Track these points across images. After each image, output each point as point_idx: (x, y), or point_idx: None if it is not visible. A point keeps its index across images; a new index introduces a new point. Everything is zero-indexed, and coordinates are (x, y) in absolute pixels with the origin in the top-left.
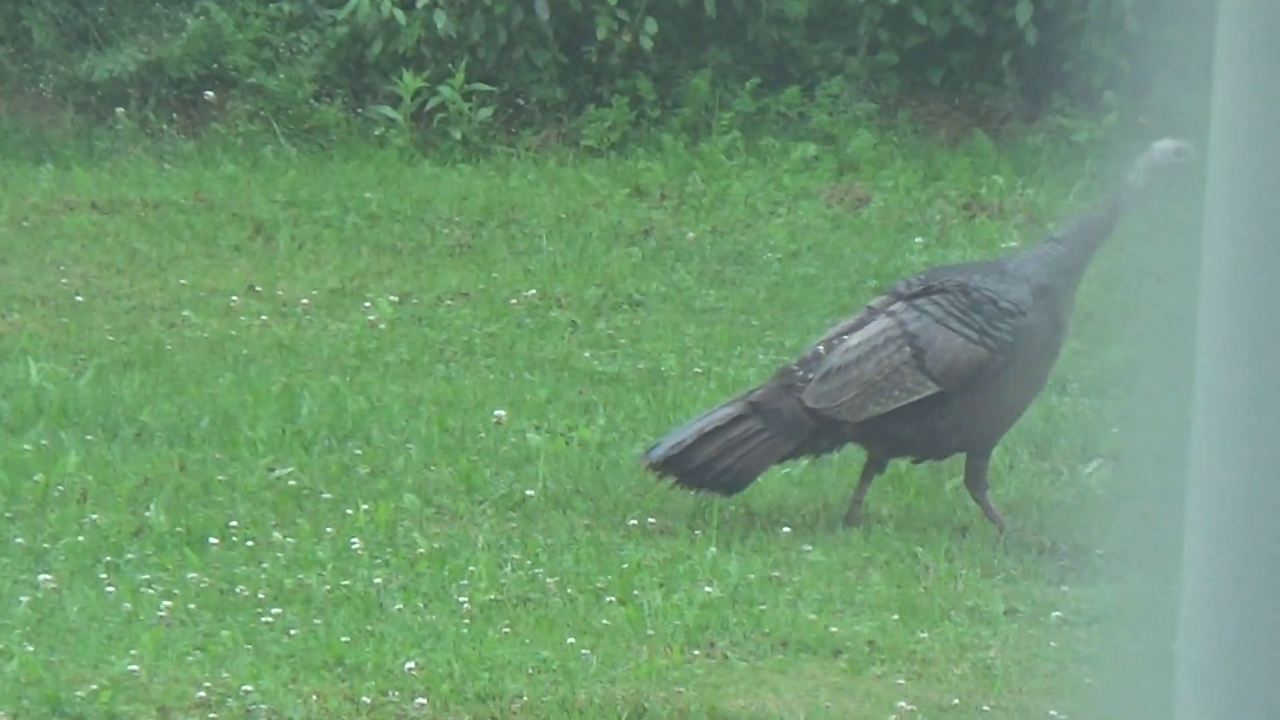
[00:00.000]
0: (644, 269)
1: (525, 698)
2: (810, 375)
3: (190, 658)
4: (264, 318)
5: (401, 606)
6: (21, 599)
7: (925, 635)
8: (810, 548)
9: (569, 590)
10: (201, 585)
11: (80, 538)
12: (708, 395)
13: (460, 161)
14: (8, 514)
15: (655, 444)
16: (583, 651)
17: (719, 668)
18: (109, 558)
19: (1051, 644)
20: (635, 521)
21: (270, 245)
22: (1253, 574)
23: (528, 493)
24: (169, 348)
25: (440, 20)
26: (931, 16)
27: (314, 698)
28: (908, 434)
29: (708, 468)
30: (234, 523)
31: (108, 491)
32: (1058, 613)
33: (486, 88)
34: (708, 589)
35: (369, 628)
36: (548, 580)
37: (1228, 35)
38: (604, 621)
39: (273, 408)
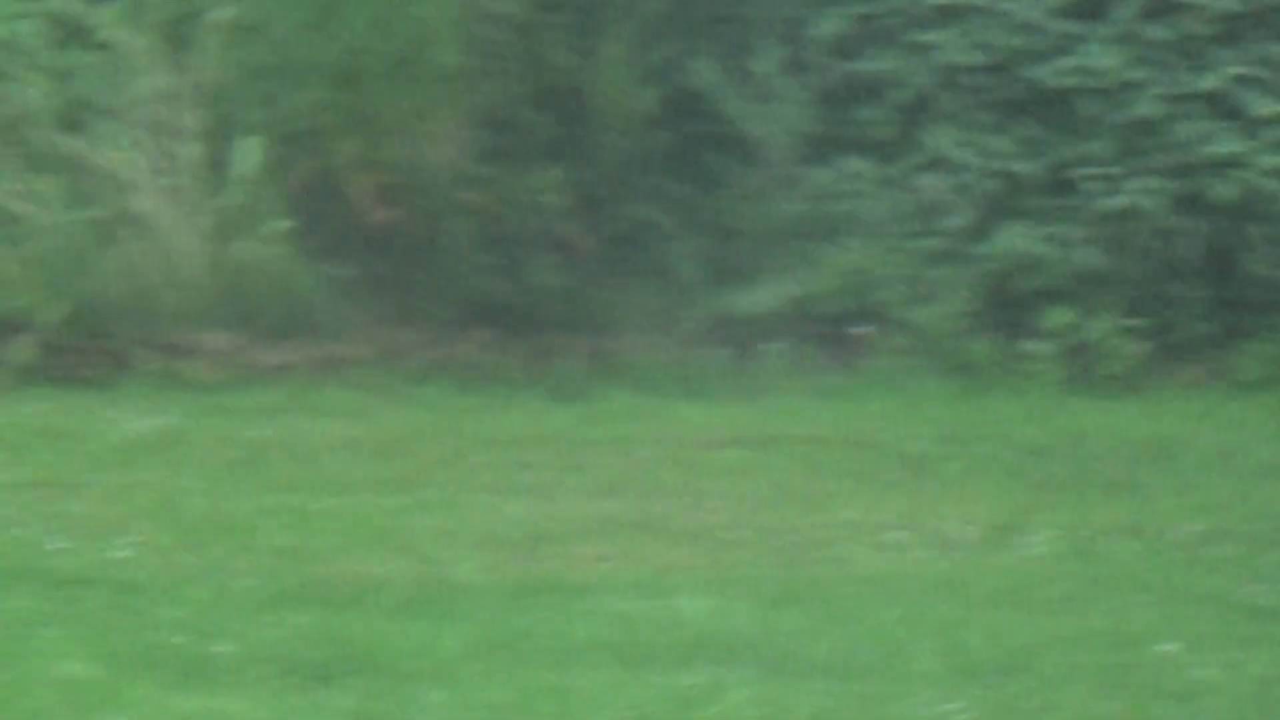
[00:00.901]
0: None
1: None
2: None
3: None
4: (921, 552)
5: None
6: None
7: None
8: None
9: None
10: None
11: None
12: None
13: (1112, 396)
14: None
15: None
16: None
17: None
18: None
19: None
20: None
21: (924, 480)
22: None
23: None
24: (827, 584)
25: (1089, 256)
26: None
27: None
28: None
29: None
30: None
31: None
32: None
33: (1136, 322)
34: None
35: None
36: None
37: None
38: None
39: (936, 642)
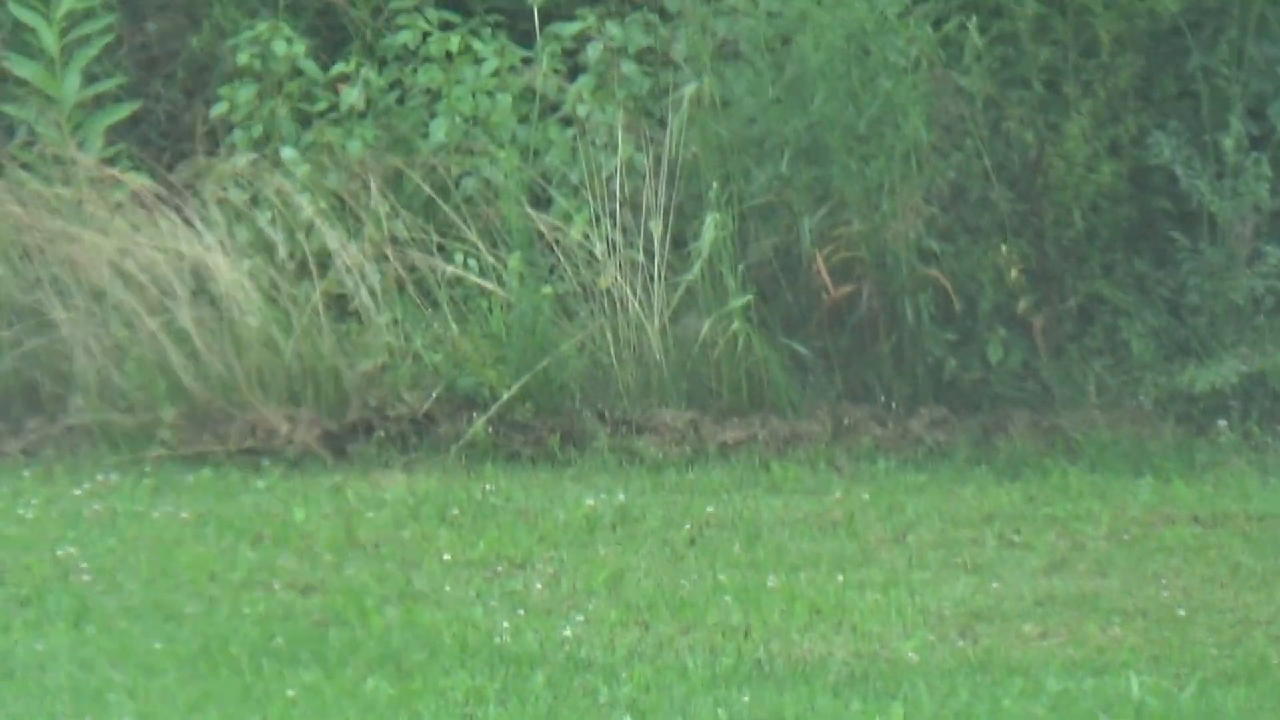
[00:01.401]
0: None
1: None
2: None
3: None
4: None
5: None
6: None
7: None
8: None
9: None
10: None
11: None
12: None
13: None
14: None
15: None
16: None
17: None
18: None
19: None
20: None
21: None
22: None
23: None
24: (1274, 663)
25: None
26: None
27: None
28: None
29: None
30: None
31: None
32: None
33: None
34: None
35: None
36: None
37: None
38: None
39: None
